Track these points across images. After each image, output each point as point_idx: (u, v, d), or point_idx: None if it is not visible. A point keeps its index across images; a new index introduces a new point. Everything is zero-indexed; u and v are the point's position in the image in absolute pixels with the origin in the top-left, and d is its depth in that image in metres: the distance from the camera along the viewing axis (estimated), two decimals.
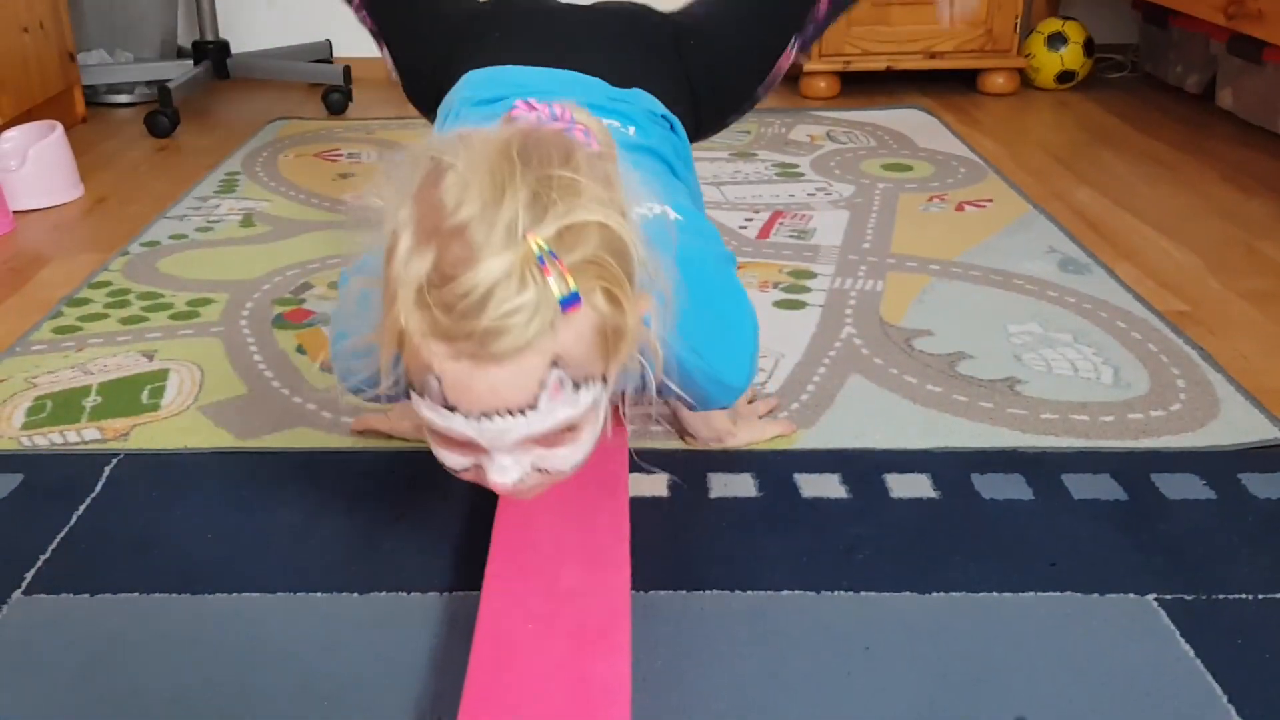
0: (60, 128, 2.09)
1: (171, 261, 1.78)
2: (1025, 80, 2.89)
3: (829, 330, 1.51)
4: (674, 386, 0.86)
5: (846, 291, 1.65)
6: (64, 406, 1.32)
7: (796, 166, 2.26)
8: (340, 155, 2.34)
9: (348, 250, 0.81)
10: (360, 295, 0.82)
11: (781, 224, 1.94)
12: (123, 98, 2.79)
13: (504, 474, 0.78)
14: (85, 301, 1.62)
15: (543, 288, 0.69)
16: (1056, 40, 2.82)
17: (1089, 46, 2.83)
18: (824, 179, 2.18)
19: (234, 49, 2.87)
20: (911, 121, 2.58)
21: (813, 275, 1.71)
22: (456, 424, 0.75)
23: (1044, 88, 2.88)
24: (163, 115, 2.49)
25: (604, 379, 0.78)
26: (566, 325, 0.71)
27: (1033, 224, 1.91)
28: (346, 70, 2.76)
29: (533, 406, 0.73)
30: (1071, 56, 2.82)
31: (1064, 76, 2.84)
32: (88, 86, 2.69)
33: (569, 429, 0.77)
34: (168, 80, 2.56)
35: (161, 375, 1.39)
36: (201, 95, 2.83)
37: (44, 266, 1.79)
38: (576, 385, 0.75)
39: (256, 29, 3.05)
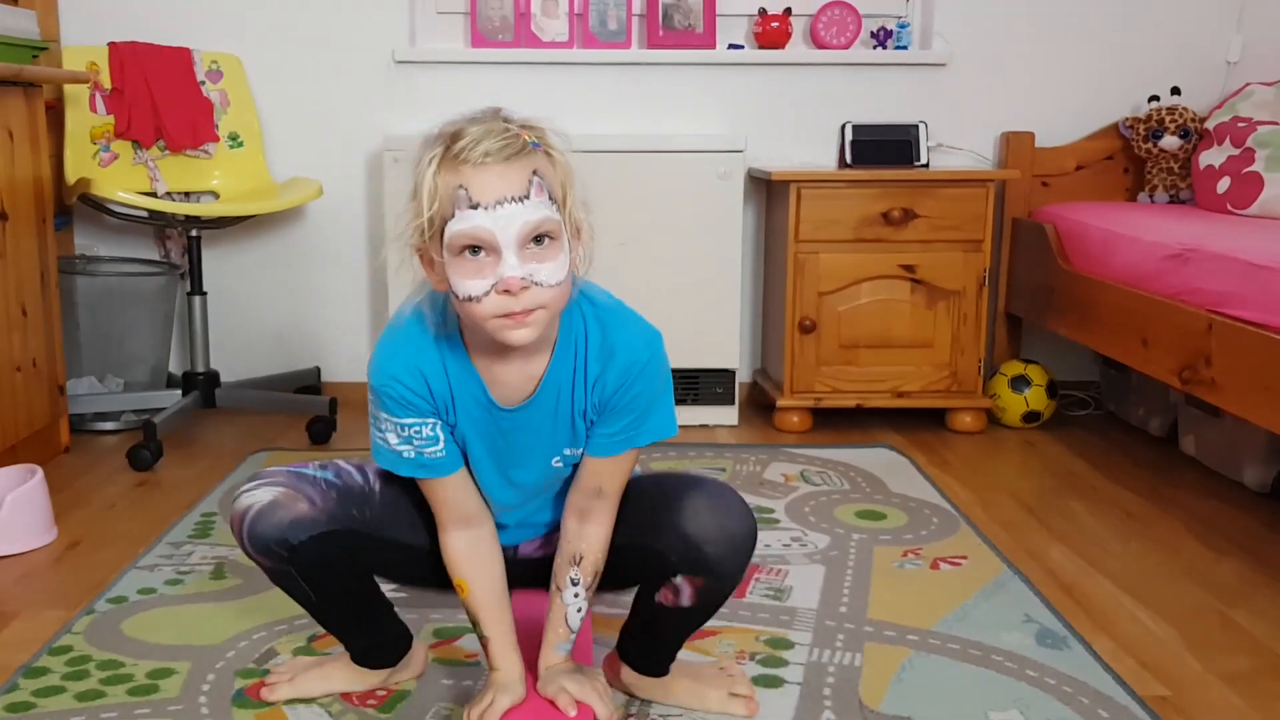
0: (40, 473, 2.11)
1: (136, 622, 1.74)
2: (992, 418, 2.97)
3: (808, 715, 1.48)
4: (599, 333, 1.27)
5: (825, 666, 1.62)
6: None
7: (772, 512, 2.28)
8: None
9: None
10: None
11: (758, 580, 1.94)
12: (109, 425, 2.83)
13: (513, 269, 1.14)
14: (43, 671, 1.58)
15: (516, 134, 1.17)
16: (1020, 383, 2.93)
17: (1052, 389, 2.94)
18: (799, 527, 2.20)
19: (225, 376, 2.95)
20: (882, 462, 2.63)
21: (790, 645, 1.69)
22: (479, 219, 1.14)
23: (1010, 426, 2.96)
24: (145, 450, 2.51)
25: (565, 225, 1.18)
26: (536, 156, 1.17)
27: (1008, 586, 1.91)
28: (332, 403, 2.82)
29: (526, 196, 1.15)
30: (1035, 398, 2.92)
31: (1029, 417, 2.93)
32: (75, 414, 2.73)
33: (550, 238, 1.17)
34: (153, 414, 2.60)
35: None
36: (187, 425, 2.88)
37: (7, 625, 1.75)
38: (552, 199, 1.17)
39: (248, 357, 3.14)
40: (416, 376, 1.26)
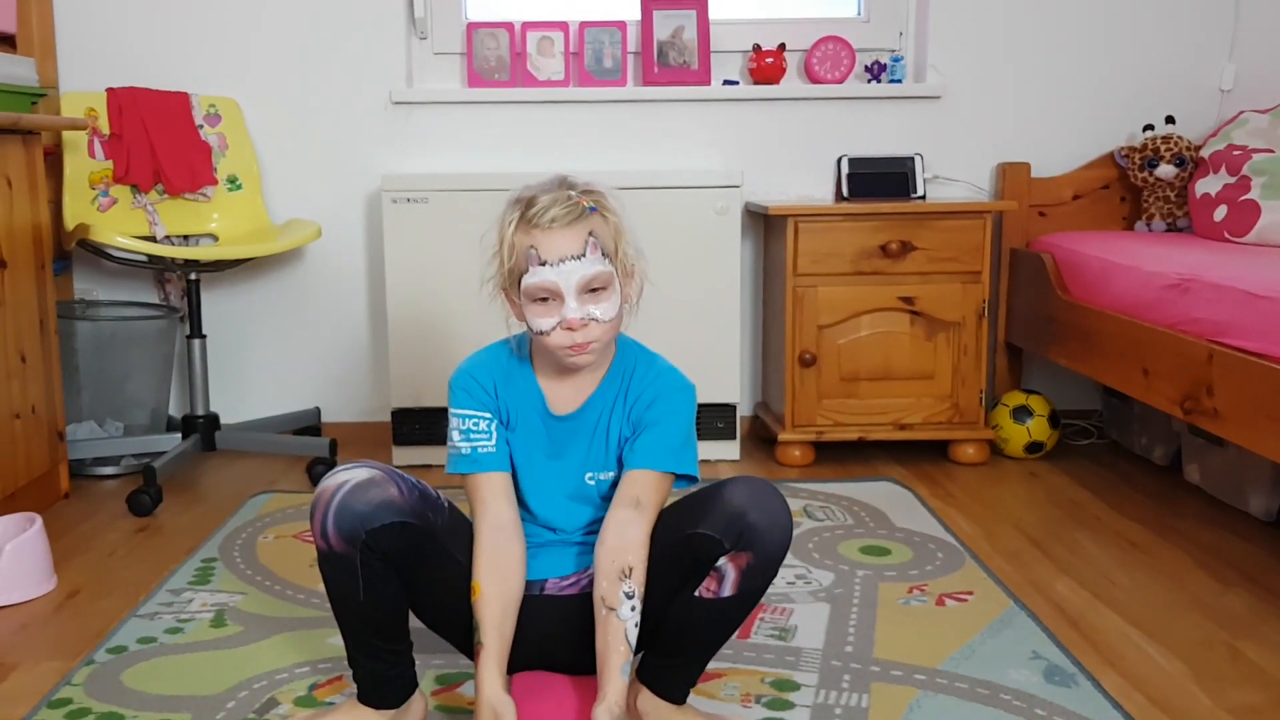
0: (39, 521, 2.10)
1: (136, 673, 1.73)
2: (995, 449, 2.96)
3: None
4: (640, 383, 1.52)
5: (831, 708, 1.61)
6: None
7: None
8: None
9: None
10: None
11: (762, 619, 1.92)
12: (109, 469, 2.82)
13: (573, 311, 1.41)
14: None
15: (576, 202, 1.43)
16: (1022, 413, 2.92)
17: (1054, 419, 2.93)
18: (803, 564, 2.19)
19: (225, 417, 2.94)
20: (886, 495, 2.62)
21: (795, 687, 1.67)
22: (546, 274, 1.41)
23: (1013, 457, 2.95)
24: (145, 495, 2.50)
25: (615, 271, 1.45)
26: (592, 219, 1.44)
27: (1014, 621, 1.90)
28: (333, 444, 2.82)
29: (583, 255, 1.42)
30: (1038, 429, 2.91)
31: (1032, 447, 2.92)
32: (74, 460, 2.72)
33: (602, 287, 1.43)
34: (153, 459, 2.60)
35: None
36: (187, 468, 2.87)
37: (6, 677, 1.73)
38: (604, 254, 1.44)
39: (248, 398, 3.14)
40: (488, 379, 1.53)
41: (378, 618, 1.45)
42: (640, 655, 1.50)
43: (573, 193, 1.44)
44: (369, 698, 1.49)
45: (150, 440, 2.81)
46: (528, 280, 1.43)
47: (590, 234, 1.43)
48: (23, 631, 1.92)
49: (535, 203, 1.43)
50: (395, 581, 1.44)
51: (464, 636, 1.50)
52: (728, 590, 1.40)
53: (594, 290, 1.43)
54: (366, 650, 1.48)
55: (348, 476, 1.42)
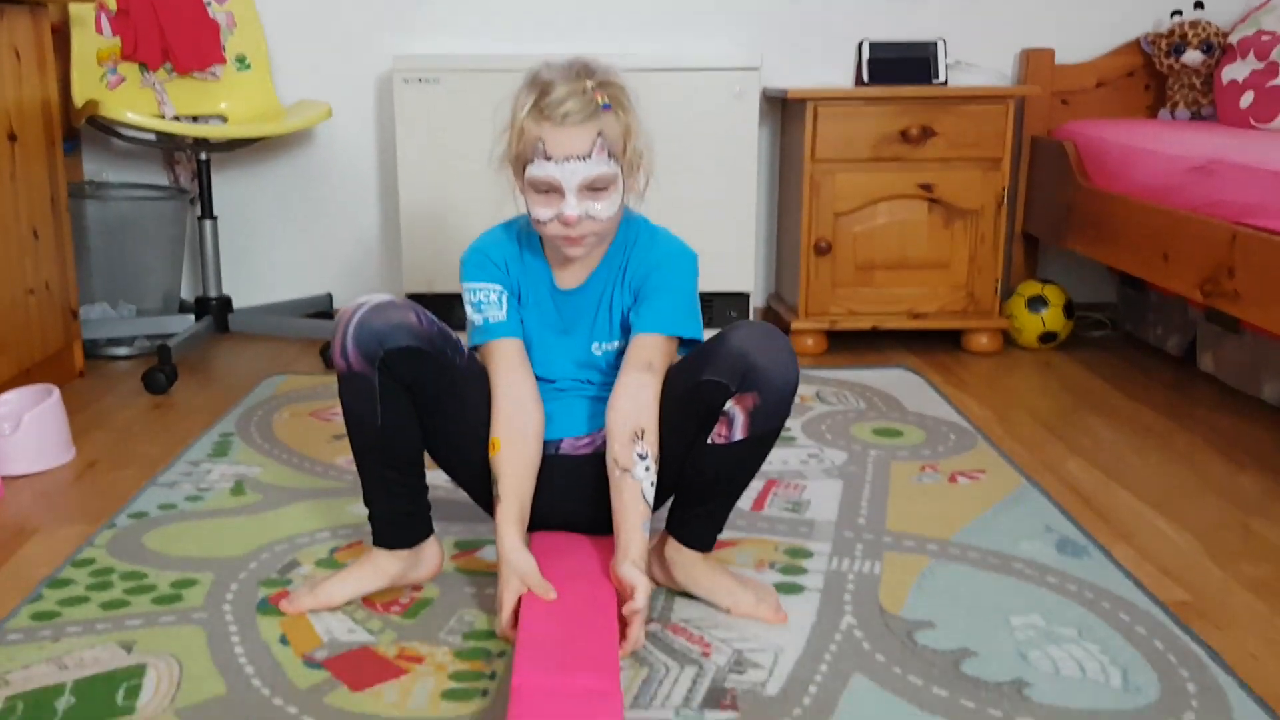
0: (57, 392, 2.11)
1: (158, 535, 1.75)
2: (1008, 339, 2.95)
3: (828, 619, 1.48)
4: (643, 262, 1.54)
5: (844, 574, 1.62)
6: (35, 708, 1.27)
7: (788, 430, 2.27)
8: (335, 414, 2.35)
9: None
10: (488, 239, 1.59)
11: (775, 494, 1.94)
12: (122, 350, 2.83)
13: (571, 209, 1.43)
14: (66, 583, 1.59)
15: (591, 97, 1.42)
16: (1037, 303, 2.91)
17: (1069, 309, 2.91)
18: (816, 444, 2.19)
19: (236, 302, 2.94)
20: (899, 382, 2.62)
21: (809, 554, 1.69)
22: (550, 169, 1.42)
23: (1027, 347, 2.94)
24: (160, 373, 2.51)
25: (620, 169, 1.45)
26: (604, 118, 1.43)
27: (1026, 499, 1.91)
28: None
29: (589, 156, 1.42)
30: (1052, 318, 2.89)
31: (1046, 337, 2.91)
32: (88, 340, 2.73)
33: (604, 187, 1.44)
34: (167, 338, 2.60)
35: (138, 671, 1.35)
36: (201, 350, 2.88)
37: (28, 540, 1.76)
38: (610, 155, 1.44)
39: (259, 283, 3.13)
40: (499, 256, 1.57)
41: (394, 445, 1.47)
42: (668, 504, 1.52)
43: (590, 84, 1.43)
44: (384, 538, 1.52)
45: (163, 321, 2.82)
46: (531, 171, 1.44)
47: (599, 134, 1.43)
48: (43, 498, 1.94)
49: (551, 91, 1.42)
50: (411, 409, 1.47)
51: (481, 486, 1.53)
52: (738, 434, 1.42)
53: (595, 189, 1.44)
54: (382, 485, 1.50)
55: (368, 298, 1.46)
